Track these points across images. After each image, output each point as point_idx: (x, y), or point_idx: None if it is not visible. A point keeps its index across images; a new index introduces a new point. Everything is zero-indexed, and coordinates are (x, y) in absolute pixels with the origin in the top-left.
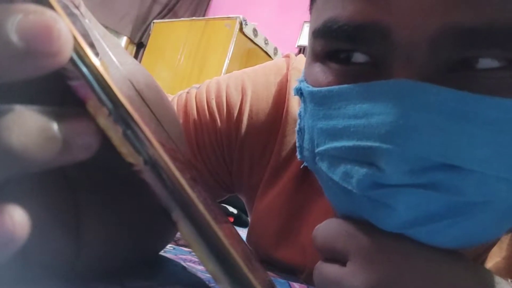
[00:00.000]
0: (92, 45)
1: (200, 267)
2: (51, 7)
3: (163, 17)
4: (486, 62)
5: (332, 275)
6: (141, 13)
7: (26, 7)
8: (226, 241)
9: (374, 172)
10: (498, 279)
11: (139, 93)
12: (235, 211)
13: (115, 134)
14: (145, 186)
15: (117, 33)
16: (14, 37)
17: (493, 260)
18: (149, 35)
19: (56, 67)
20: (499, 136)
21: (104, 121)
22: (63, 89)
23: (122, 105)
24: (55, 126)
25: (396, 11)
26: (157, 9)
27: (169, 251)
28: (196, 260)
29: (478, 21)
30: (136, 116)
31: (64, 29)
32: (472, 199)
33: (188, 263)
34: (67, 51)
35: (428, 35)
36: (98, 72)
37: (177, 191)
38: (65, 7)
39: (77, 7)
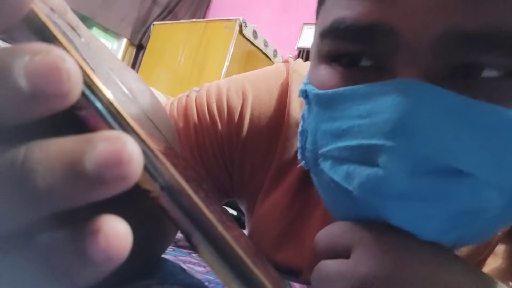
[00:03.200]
0: (93, 70)
1: (200, 268)
2: (55, 39)
3: (163, 19)
4: (487, 71)
5: (334, 268)
6: (141, 15)
7: (32, 47)
8: (249, 262)
9: (375, 174)
10: (498, 281)
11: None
12: (234, 212)
13: None
14: (162, 212)
15: (117, 34)
16: (22, 82)
17: (488, 268)
18: (149, 37)
19: (66, 106)
20: (491, 142)
21: None
22: (71, 118)
23: (134, 132)
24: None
25: (402, 13)
26: (157, 11)
27: (169, 252)
28: (196, 261)
29: (480, 25)
30: (149, 141)
31: (73, 68)
32: (467, 206)
33: (188, 265)
34: (77, 91)
35: (431, 38)
36: (109, 101)
37: (196, 215)
38: (64, 34)
39: (74, 29)
